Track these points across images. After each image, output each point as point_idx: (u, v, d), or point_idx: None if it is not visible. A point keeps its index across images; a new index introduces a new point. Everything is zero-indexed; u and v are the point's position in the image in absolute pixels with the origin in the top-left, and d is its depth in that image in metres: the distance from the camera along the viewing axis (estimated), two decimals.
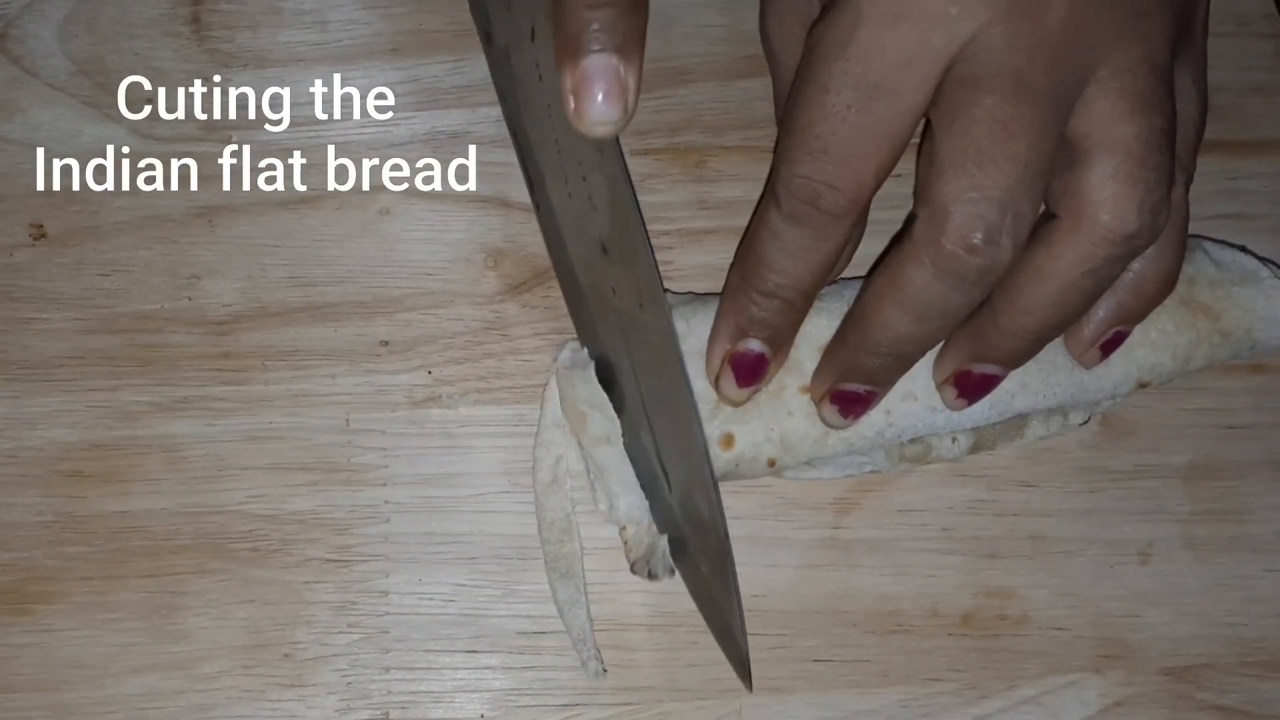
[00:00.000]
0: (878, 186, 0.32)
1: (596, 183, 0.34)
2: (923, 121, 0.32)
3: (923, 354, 0.34)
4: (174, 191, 0.39)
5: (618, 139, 0.33)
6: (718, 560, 0.34)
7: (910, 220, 0.32)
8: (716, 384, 0.35)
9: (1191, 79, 0.34)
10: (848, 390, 0.35)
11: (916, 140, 0.33)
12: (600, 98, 0.31)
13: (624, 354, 0.36)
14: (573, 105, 0.31)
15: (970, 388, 0.35)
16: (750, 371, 0.35)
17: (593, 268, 0.36)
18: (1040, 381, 0.37)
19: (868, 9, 0.31)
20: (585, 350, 0.37)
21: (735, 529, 0.37)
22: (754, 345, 0.34)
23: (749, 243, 0.34)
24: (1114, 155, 0.31)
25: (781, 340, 0.35)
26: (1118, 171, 0.31)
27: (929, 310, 0.32)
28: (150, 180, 0.39)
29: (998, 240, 0.30)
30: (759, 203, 0.34)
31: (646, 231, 0.35)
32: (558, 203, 0.37)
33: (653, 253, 0.35)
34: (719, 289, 0.36)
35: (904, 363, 0.34)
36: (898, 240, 0.33)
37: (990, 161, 0.30)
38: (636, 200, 0.34)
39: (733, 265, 0.35)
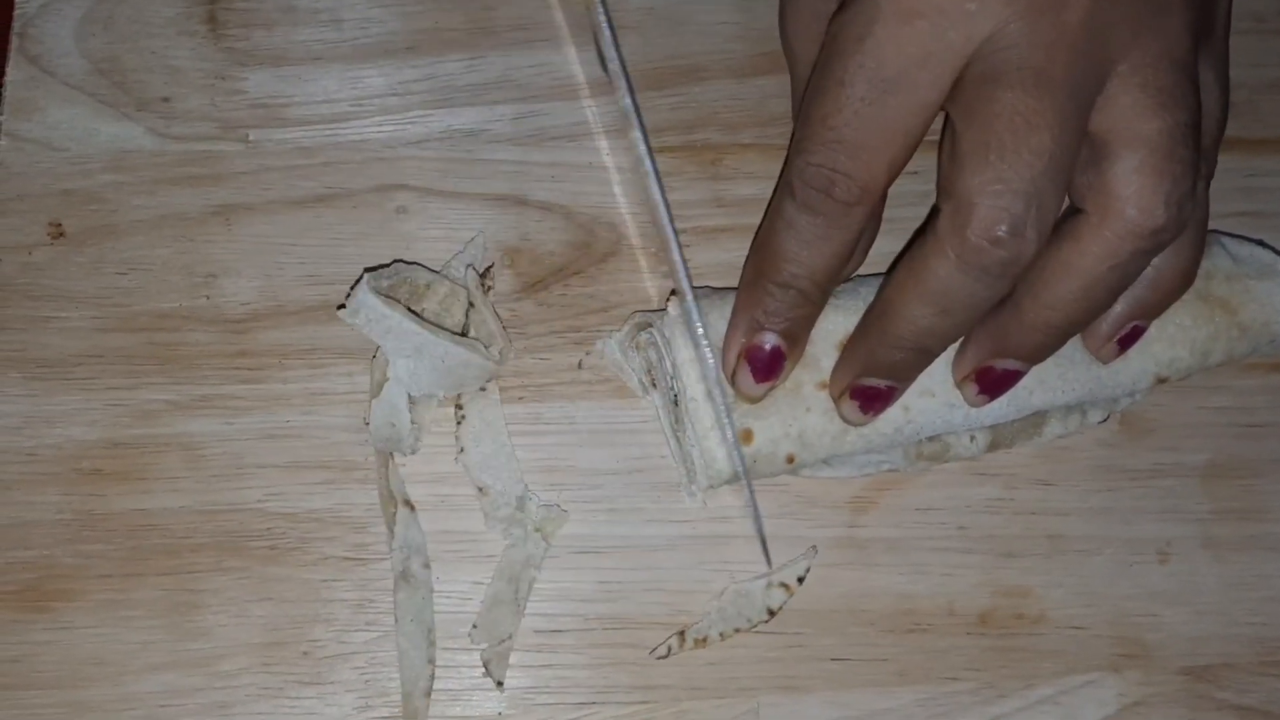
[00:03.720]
0: (891, 179, 0.32)
1: None
2: (942, 115, 0.32)
3: (944, 348, 0.34)
4: (191, 190, 0.39)
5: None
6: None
7: (933, 214, 0.32)
8: (733, 379, 0.35)
9: (1213, 74, 0.34)
10: (868, 385, 0.34)
11: (935, 137, 0.33)
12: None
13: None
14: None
15: (992, 384, 0.35)
16: (767, 366, 0.35)
17: None
18: (1058, 378, 0.36)
19: (886, 5, 0.31)
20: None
21: (750, 527, 0.37)
22: (770, 339, 0.34)
23: (764, 235, 0.34)
24: (1139, 150, 0.31)
25: (798, 333, 0.35)
26: (1143, 166, 0.31)
27: (952, 303, 0.32)
28: (167, 179, 0.39)
29: (1022, 232, 0.30)
30: (773, 196, 0.34)
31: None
32: None
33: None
34: (735, 285, 0.36)
35: (925, 358, 0.34)
36: (920, 234, 0.33)
37: (1013, 154, 0.30)
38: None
39: (747, 260, 0.35)
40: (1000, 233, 0.30)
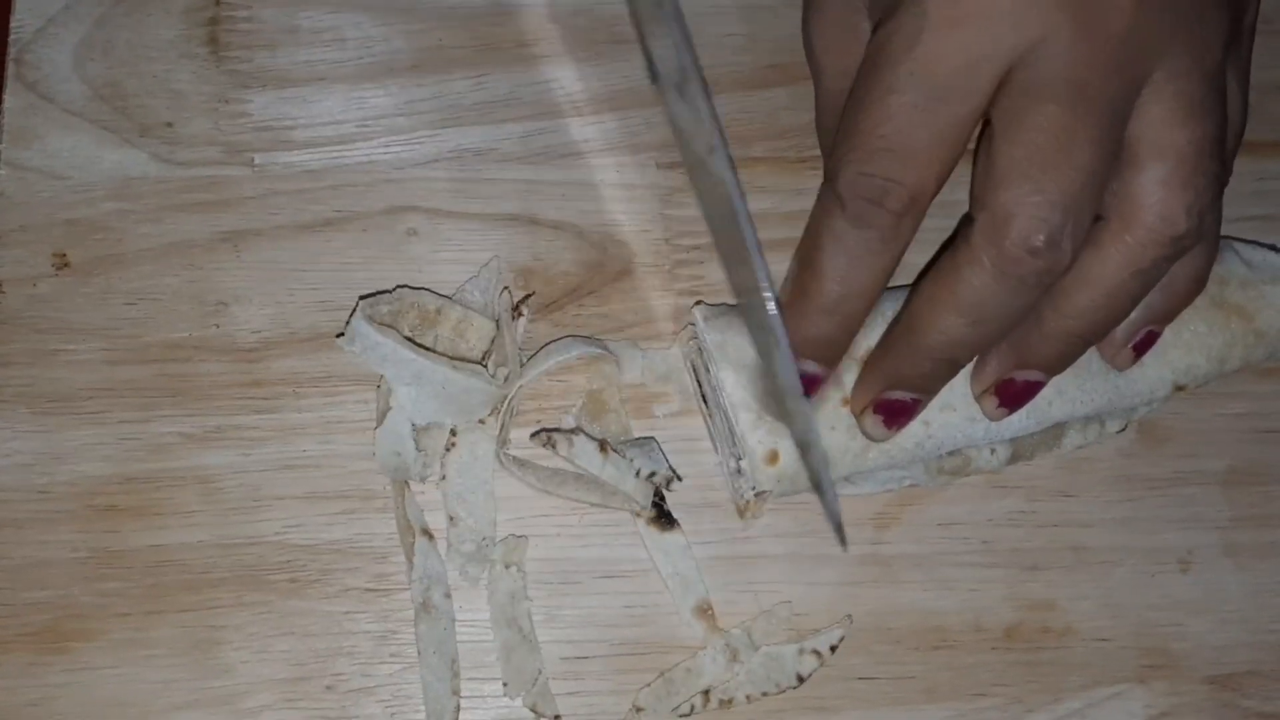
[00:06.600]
0: (939, 188, 0.32)
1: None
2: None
3: (970, 359, 0.34)
4: (198, 216, 0.39)
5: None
6: (803, 431, 0.34)
7: (964, 225, 0.32)
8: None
9: (1237, 82, 0.34)
10: (893, 399, 0.34)
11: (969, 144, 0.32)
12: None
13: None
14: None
15: (1012, 396, 0.35)
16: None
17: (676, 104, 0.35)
18: (1077, 388, 0.36)
19: (933, 13, 0.31)
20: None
21: (775, 547, 0.37)
22: (810, 367, 0.33)
23: (806, 254, 0.33)
24: (1166, 160, 0.31)
25: (837, 356, 0.34)
26: (1170, 177, 0.31)
27: (985, 314, 0.32)
28: (173, 205, 0.39)
29: (1059, 243, 0.30)
30: (811, 217, 0.33)
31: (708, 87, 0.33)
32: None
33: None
34: None
35: (952, 369, 0.34)
36: (947, 249, 0.32)
37: (1053, 168, 0.30)
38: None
39: (787, 278, 0.34)
40: (1038, 243, 0.30)
